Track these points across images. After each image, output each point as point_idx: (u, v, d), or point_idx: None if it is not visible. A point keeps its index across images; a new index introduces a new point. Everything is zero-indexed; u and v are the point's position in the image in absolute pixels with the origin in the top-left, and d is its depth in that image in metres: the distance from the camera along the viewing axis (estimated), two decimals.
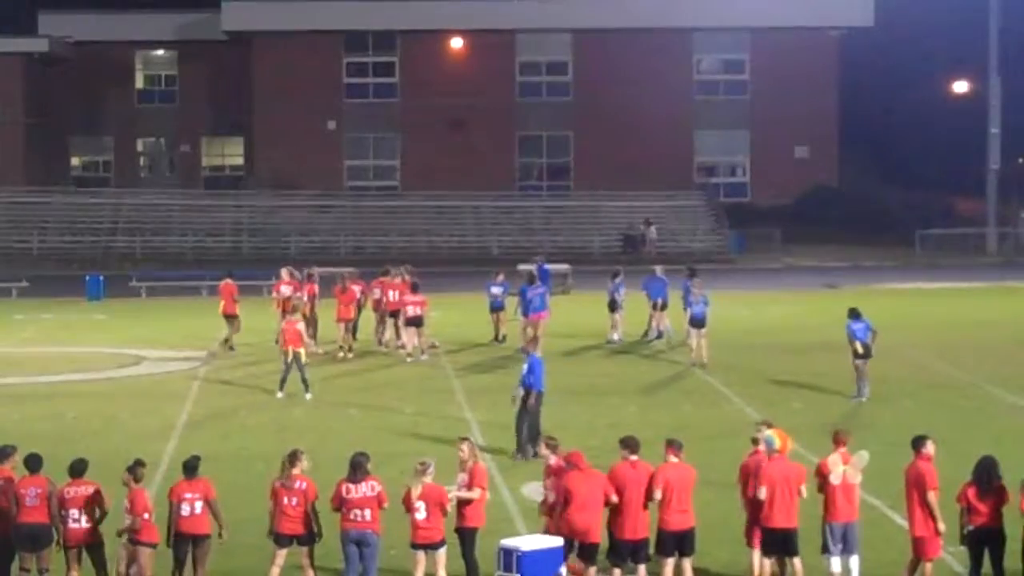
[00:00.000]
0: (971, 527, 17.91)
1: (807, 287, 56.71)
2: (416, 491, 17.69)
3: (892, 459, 19.28)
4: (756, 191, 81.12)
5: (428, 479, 17.76)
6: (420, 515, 17.67)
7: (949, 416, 29.61)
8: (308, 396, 31.94)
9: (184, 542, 18.01)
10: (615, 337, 40.06)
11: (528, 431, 25.99)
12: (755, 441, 18.69)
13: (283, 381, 32.23)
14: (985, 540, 17.89)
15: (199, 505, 18.03)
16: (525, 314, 38.36)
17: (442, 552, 17.80)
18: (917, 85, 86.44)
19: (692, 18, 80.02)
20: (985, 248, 72.64)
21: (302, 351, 32.17)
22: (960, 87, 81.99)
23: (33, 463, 18.37)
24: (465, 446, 18.66)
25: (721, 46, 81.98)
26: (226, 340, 39.68)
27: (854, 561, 18.22)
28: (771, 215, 74.74)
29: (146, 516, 17.84)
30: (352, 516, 17.90)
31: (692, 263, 44.04)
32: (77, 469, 18.30)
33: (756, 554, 18.38)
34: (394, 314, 38.37)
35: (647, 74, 78.74)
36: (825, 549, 18.22)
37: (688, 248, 70.39)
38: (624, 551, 17.98)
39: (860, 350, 31.81)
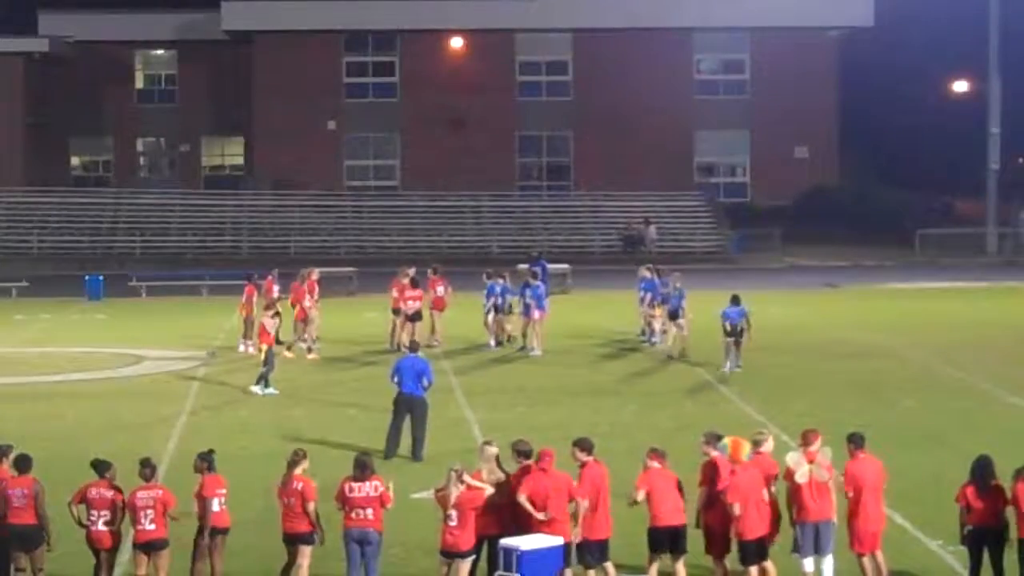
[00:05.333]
0: (970, 527, 17.90)
1: (807, 287, 56.73)
2: (452, 498, 17.59)
3: (892, 459, 19.26)
4: (756, 191, 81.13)
5: (463, 486, 17.64)
6: (452, 522, 17.61)
7: (949, 416, 29.62)
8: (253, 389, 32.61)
9: (212, 536, 18.20)
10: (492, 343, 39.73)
11: (413, 435, 25.97)
12: (756, 444, 18.58)
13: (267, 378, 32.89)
14: (984, 539, 17.88)
15: (224, 500, 18.25)
16: (526, 314, 38.56)
17: (467, 562, 17.69)
18: (917, 85, 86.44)
19: (692, 18, 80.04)
20: (985, 248, 72.64)
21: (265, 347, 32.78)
22: (960, 87, 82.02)
23: (21, 464, 18.32)
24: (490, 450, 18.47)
25: (721, 46, 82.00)
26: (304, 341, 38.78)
27: (827, 562, 18.11)
28: (771, 215, 74.75)
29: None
30: (354, 515, 17.92)
31: (657, 263, 43.95)
32: (100, 470, 18.23)
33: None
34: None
35: (647, 74, 78.74)
36: (796, 548, 18.17)
37: (688, 248, 70.47)
38: (593, 550, 17.94)
39: (728, 328, 35.06)
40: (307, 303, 38.46)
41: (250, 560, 19.41)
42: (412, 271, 39.53)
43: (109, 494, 17.95)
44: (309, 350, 38.13)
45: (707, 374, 34.94)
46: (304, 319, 38.40)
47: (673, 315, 37.47)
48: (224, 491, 18.27)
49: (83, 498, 17.97)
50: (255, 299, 39.07)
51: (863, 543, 18.04)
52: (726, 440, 18.39)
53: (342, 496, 18.02)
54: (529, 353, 38.08)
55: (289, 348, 37.88)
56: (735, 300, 35.82)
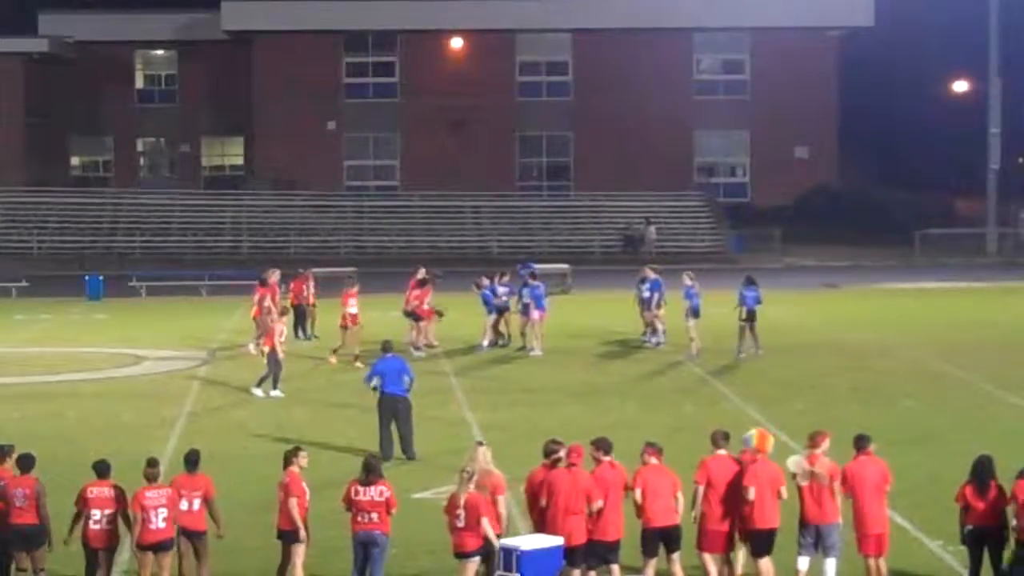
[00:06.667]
0: (970, 527, 17.89)
1: (807, 287, 56.71)
2: (460, 499, 17.57)
3: (893, 459, 19.23)
4: (756, 191, 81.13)
5: (472, 487, 17.61)
6: (460, 523, 17.59)
7: (949, 416, 29.62)
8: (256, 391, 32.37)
9: (181, 537, 18.04)
10: (484, 343, 39.30)
11: (400, 434, 25.85)
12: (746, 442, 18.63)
13: (275, 378, 32.53)
14: (984, 540, 17.88)
15: (197, 503, 18.05)
16: (524, 314, 38.58)
17: (475, 561, 17.65)
18: (917, 85, 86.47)
19: (692, 18, 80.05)
20: (985, 248, 72.65)
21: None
22: (960, 87, 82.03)
23: (24, 463, 18.29)
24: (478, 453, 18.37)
25: (721, 46, 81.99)
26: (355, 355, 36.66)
27: (830, 564, 18.11)
28: (771, 215, 74.74)
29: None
30: (360, 518, 17.88)
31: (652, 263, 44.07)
32: (100, 470, 18.17)
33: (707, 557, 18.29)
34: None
35: (647, 74, 78.76)
36: (798, 547, 18.21)
37: (688, 248, 70.47)
38: (600, 552, 17.92)
39: (744, 315, 36.60)
40: (352, 308, 37.31)
41: (250, 560, 19.40)
42: (423, 272, 39.67)
43: (109, 494, 17.94)
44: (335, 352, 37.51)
45: (706, 373, 34.95)
46: (354, 323, 37.32)
47: (697, 314, 37.36)
48: (198, 492, 18.04)
49: (83, 499, 17.96)
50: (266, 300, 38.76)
51: (867, 545, 18.04)
52: (753, 431, 18.47)
53: (348, 499, 18.00)
54: (529, 353, 38.07)
55: (335, 353, 37.31)
56: (752, 281, 36.96)
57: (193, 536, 18.05)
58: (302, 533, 18.00)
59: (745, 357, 36.66)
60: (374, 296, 49.81)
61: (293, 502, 17.93)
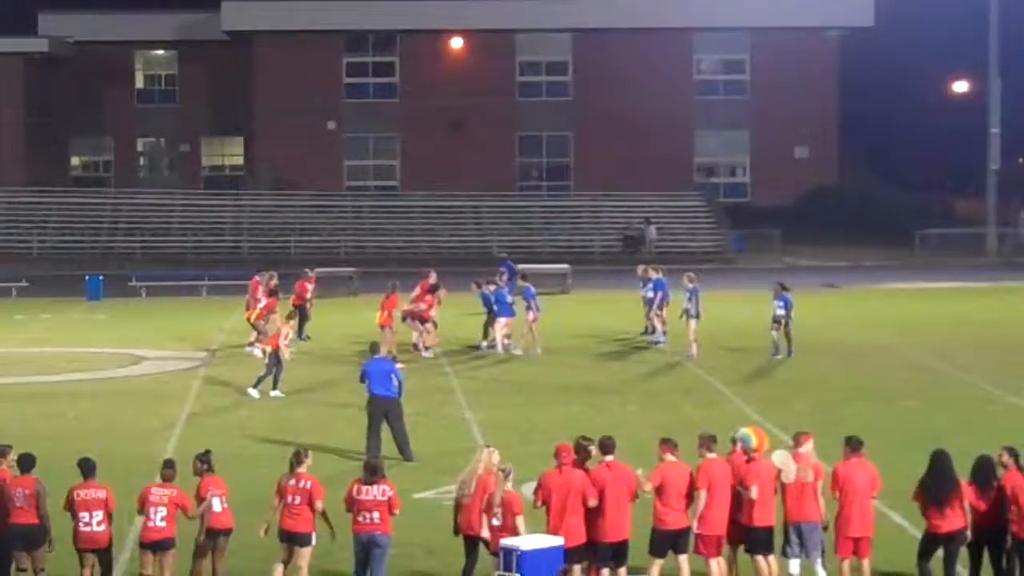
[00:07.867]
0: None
1: (807, 287, 56.58)
2: (497, 497, 17.54)
3: (892, 459, 19.25)
4: (756, 191, 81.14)
5: (509, 485, 17.58)
6: (497, 521, 17.55)
7: (949, 416, 29.61)
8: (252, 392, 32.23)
9: (214, 537, 18.19)
10: (483, 344, 39.38)
11: (393, 436, 25.78)
12: (733, 441, 18.65)
13: (276, 379, 32.49)
14: (985, 540, 17.87)
15: (226, 500, 18.22)
16: (507, 315, 38.56)
17: None
18: (917, 85, 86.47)
19: (692, 18, 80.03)
20: (985, 248, 72.63)
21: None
22: (960, 87, 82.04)
23: (24, 463, 18.31)
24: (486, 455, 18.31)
25: (721, 46, 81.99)
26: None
27: (818, 564, 18.14)
28: (771, 215, 74.70)
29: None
30: (361, 518, 17.88)
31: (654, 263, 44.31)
32: (86, 469, 18.20)
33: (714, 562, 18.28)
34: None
35: (647, 74, 78.74)
36: (783, 550, 18.21)
37: (688, 248, 70.44)
38: (605, 553, 17.90)
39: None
40: (399, 309, 37.50)
41: (250, 560, 19.39)
42: (435, 277, 39.57)
43: (100, 494, 17.95)
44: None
45: (706, 374, 34.94)
46: (388, 325, 37.13)
47: (691, 314, 37.44)
48: (222, 491, 18.23)
49: (70, 502, 17.96)
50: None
51: (844, 547, 18.04)
52: (748, 430, 18.47)
53: (350, 498, 17.99)
54: (512, 351, 37.98)
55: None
56: (785, 288, 38.04)
57: (222, 534, 18.19)
58: (331, 533, 18.11)
59: (782, 357, 37.03)
60: (374, 296, 49.85)
61: (320, 504, 17.96)
